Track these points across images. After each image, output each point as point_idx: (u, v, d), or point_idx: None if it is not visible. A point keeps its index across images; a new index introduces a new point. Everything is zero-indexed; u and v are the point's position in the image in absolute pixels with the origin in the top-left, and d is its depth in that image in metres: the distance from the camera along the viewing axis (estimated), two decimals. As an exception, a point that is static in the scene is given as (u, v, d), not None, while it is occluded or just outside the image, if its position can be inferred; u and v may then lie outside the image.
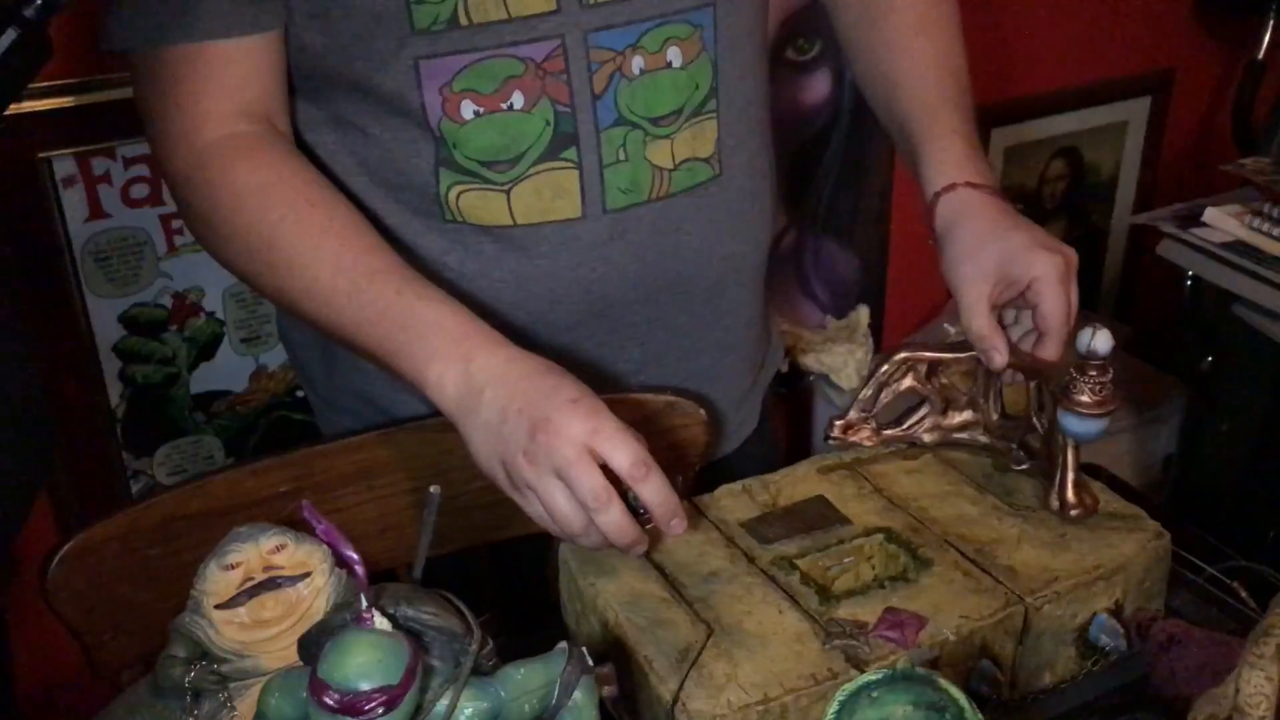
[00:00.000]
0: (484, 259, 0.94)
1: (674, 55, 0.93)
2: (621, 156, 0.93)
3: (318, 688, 0.53)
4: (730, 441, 1.12)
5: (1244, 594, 0.91)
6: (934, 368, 0.93)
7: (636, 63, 0.91)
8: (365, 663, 0.53)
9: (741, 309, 1.07)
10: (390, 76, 0.87)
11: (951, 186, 0.92)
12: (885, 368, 0.92)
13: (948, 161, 0.93)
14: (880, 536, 0.86)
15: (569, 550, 0.86)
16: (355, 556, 0.55)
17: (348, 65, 0.88)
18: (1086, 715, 0.82)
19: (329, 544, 0.55)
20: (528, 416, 0.76)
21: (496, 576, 1.06)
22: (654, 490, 0.76)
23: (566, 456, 0.74)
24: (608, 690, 0.82)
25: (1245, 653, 0.63)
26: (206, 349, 1.54)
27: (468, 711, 0.56)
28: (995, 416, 0.94)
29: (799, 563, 0.84)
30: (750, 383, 1.13)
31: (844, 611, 0.79)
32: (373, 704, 0.52)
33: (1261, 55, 2.01)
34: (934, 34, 1.01)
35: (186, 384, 1.54)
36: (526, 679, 0.58)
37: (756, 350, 1.13)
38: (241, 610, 0.74)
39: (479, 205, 0.92)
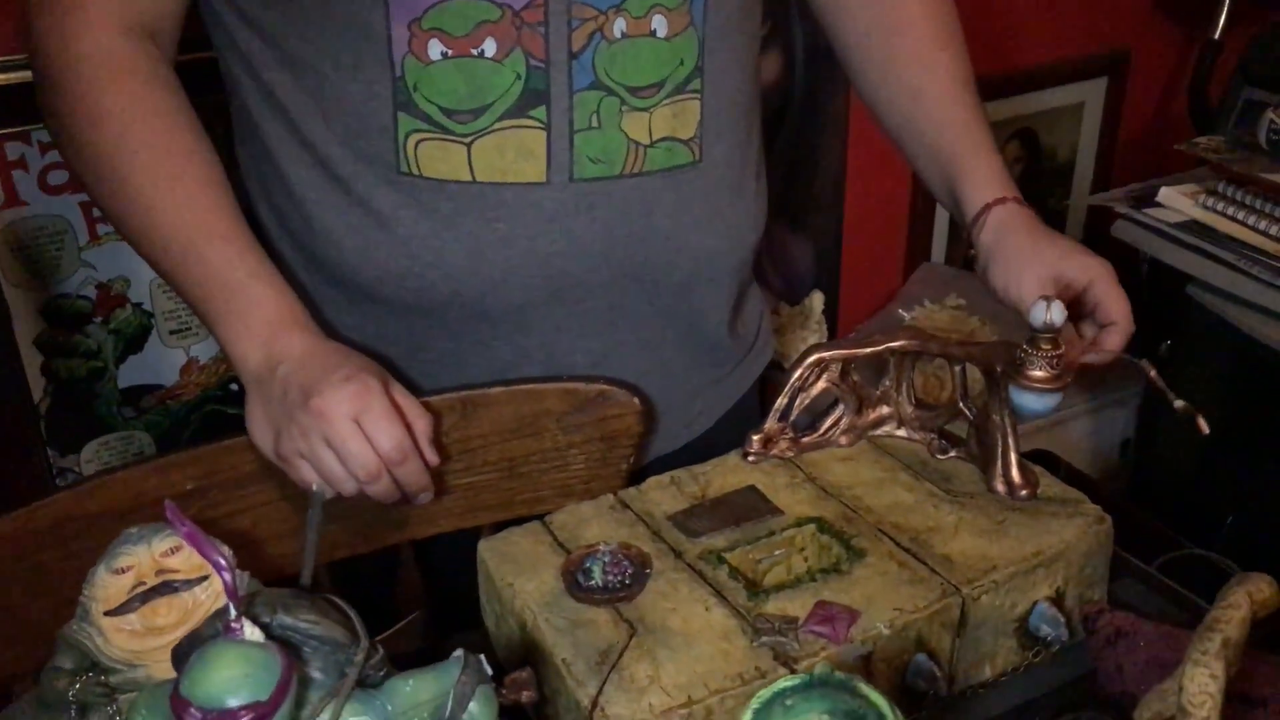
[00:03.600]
0: (438, 218, 0.89)
1: (659, 24, 0.89)
2: (594, 123, 0.88)
3: (180, 706, 0.48)
4: (678, 438, 1.07)
5: (1182, 591, 0.88)
6: (846, 367, 0.90)
7: (619, 25, 0.87)
8: (231, 677, 0.49)
9: (712, 309, 1.02)
10: (359, 5, 0.83)
11: (1000, 201, 0.96)
12: (798, 373, 0.89)
13: (991, 178, 0.98)
14: (812, 527, 0.82)
15: (486, 549, 0.82)
16: (222, 561, 0.50)
17: None
18: (1030, 714, 0.79)
19: (193, 546, 0.50)
20: (304, 390, 0.80)
21: (424, 575, 1.02)
22: (407, 474, 0.83)
23: (338, 431, 0.79)
24: (526, 696, 0.78)
25: (1190, 649, 0.60)
26: (134, 342, 1.48)
27: (350, 727, 0.52)
28: (910, 409, 0.91)
29: (728, 556, 0.80)
30: (712, 379, 1.08)
31: (773, 606, 0.75)
32: (239, 722, 0.48)
33: (1218, 35, 1.99)
34: (954, 49, 1.02)
35: (114, 378, 1.48)
36: (416, 690, 0.54)
37: (727, 353, 1.08)
38: (132, 617, 0.70)
39: (438, 157, 0.87)
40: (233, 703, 0.48)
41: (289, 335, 0.84)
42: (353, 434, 0.79)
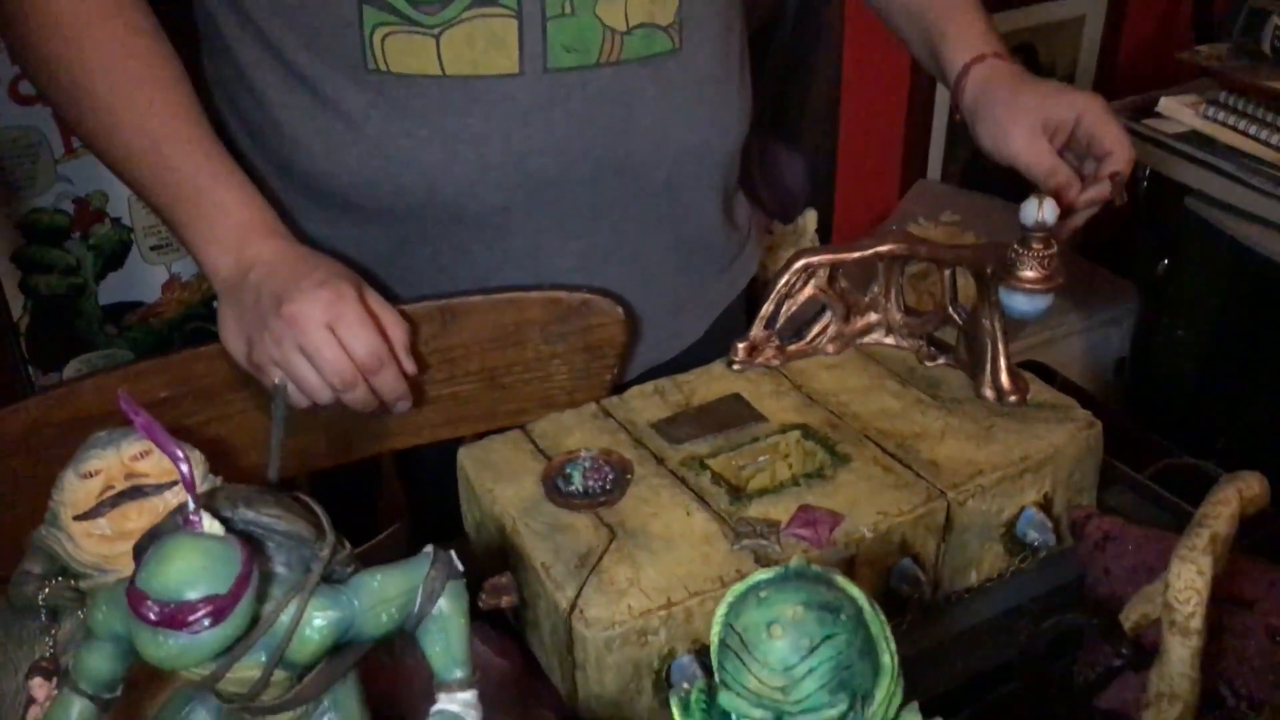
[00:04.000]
0: (409, 116, 0.86)
1: None
2: (567, 10, 0.84)
3: (136, 598, 0.47)
4: (665, 349, 1.04)
5: (1173, 498, 0.87)
6: (834, 272, 0.88)
7: None
8: (188, 569, 0.47)
9: (699, 209, 0.99)
10: None
11: (980, 58, 0.94)
12: (785, 278, 0.86)
13: (971, 37, 0.96)
14: (797, 433, 0.81)
15: (466, 455, 0.81)
16: (179, 453, 0.49)
17: None
18: (1015, 618, 0.78)
19: (149, 437, 0.49)
20: (276, 296, 0.78)
21: (407, 487, 1.00)
22: (383, 383, 0.81)
23: (312, 339, 0.77)
24: (506, 600, 0.77)
25: (1178, 545, 0.59)
26: (114, 258, 1.46)
27: (316, 622, 0.51)
28: (899, 315, 0.89)
29: (710, 462, 0.79)
30: (699, 286, 1.05)
31: (756, 511, 0.74)
32: (198, 615, 0.47)
33: (1222, -57, 1.94)
34: None
35: (94, 295, 1.46)
36: (384, 586, 0.52)
37: (715, 257, 1.05)
38: (102, 521, 0.69)
39: (405, 51, 0.84)
40: (191, 595, 0.47)
41: (260, 241, 0.82)
42: (326, 341, 0.78)
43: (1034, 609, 0.77)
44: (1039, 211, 0.77)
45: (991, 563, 0.79)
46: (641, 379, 0.95)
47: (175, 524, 0.50)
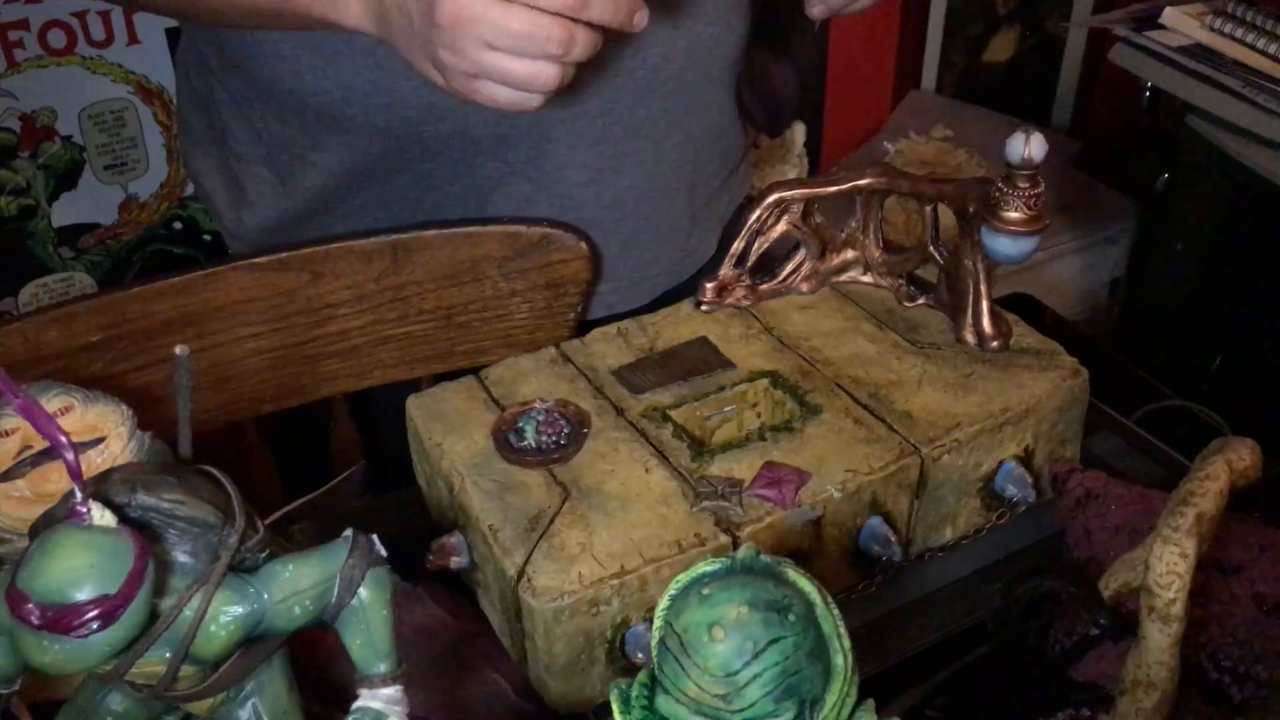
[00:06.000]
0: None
1: None
2: None
3: (16, 601, 0.43)
4: (678, 271, 0.98)
5: (1161, 446, 0.83)
6: (809, 206, 0.82)
7: None
8: (73, 568, 0.43)
9: (710, 109, 0.94)
10: None
11: None
12: (757, 213, 0.81)
13: None
14: (765, 381, 0.76)
15: (415, 405, 0.76)
16: (64, 439, 0.44)
17: None
18: (990, 576, 0.75)
19: (29, 419, 0.44)
20: (422, 6, 0.65)
21: (364, 432, 0.96)
22: (602, 8, 0.64)
23: (490, 23, 0.63)
24: (455, 562, 0.73)
25: (1160, 523, 0.54)
26: (66, 177, 1.39)
27: (223, 618, 0.47)
28: (877, 252, 0.84)
29: (673, 413, 0.74)
30: (709, 198, 0.99)
31: (719, 468, 0.70)
32: (85, 618, 0.42)
33: None
34: None
35: (47, 216, 1.40)
36: (297, 576, 0.48)
37: (725, 160, 0.99)
38: (21, 483, 0.65)
39: None
40: (77, 596, 0.43)
41: None
42: (506, 13, 0.63)
43: (1009, 571, 0.73)
44: (1025, 147, 0.71)
45: (967, 519, 0.76)
46: (654, 305, 0.89)
47: (64, 513, 0.46)
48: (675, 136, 0.92)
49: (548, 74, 0.65)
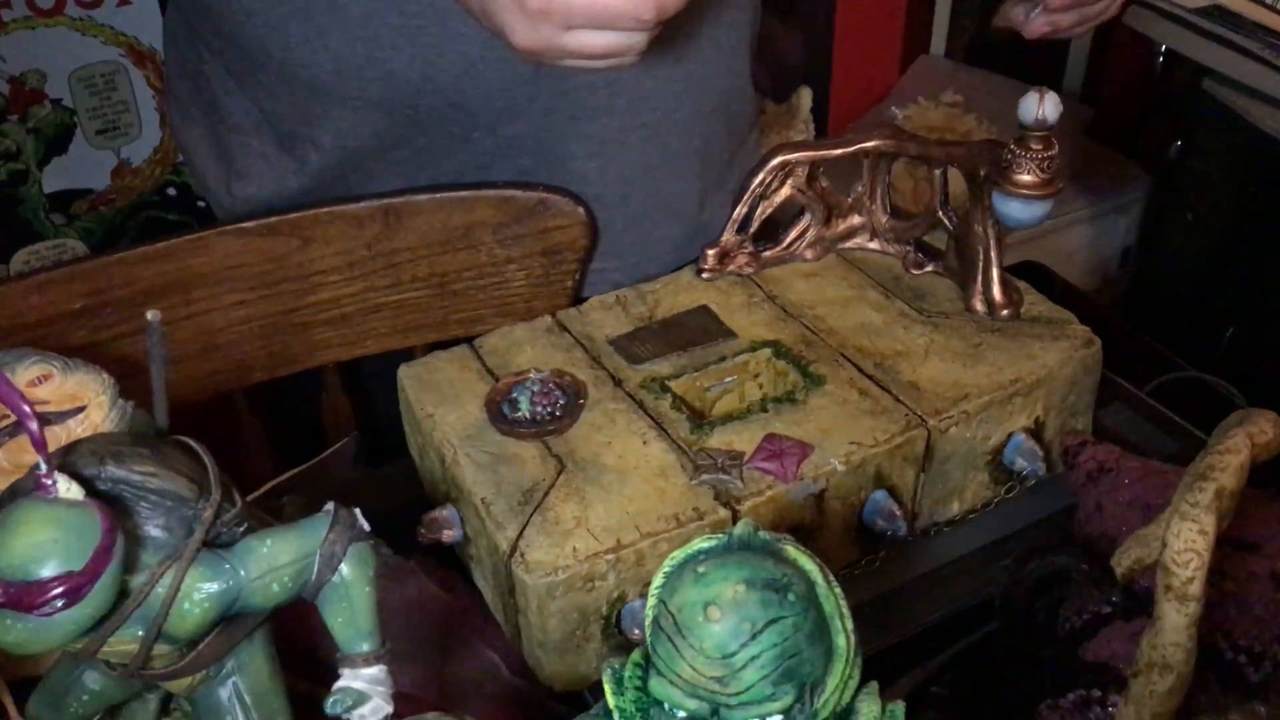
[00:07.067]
0: None
1: None
2: None
3: (-21, 576, 0.41)
4: (690, 248, 0.92)
5: (1175, 418, 0.81)
6: (814, 170, 0.79)
7: None
8: (37, 544, 0.41)
9: (721, 78, 0.90)
10: None
11: None
12: (760, 177, 0.78)
13: None
14: (768, 351, 0.74)
15: (407, 375, 0.74)
16: (27, 409, 0.42)
17: None
18: (999, 552, 0.72)
19: (-8, 392, 0.42)
20: None
21: (352, 399, 0.94)
22: None
23: (582, 8, 0.60)
24: (447, 535, 0.71)
25: (1177, 497, 0.52)
26: (57, 142, 1.37)
27: (196, 595, 0.45)
28: (884, 218, 0.81)
29: (672, 384, 0.72)
30: (720, 171, 0.94)
31: (718, 440, 0.68)
32: (49, 595, 0.41)
33: None
34: None
35: (38, 182, 1.37)
36: (275, 552, 0.46)
37: (735, 129, 0.94)
38: (-2, 453, 0.63)
39: None
40: (42, 573, 0.41)
41: None
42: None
43: (1017, 547, 0.71)
44: (1039, 107, 0.68)
45: (975, 492, 0.73)
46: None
47: (29, 486, 0.44)
48: (684, 108, 0.88)
49: (640, 41, 0.63)
